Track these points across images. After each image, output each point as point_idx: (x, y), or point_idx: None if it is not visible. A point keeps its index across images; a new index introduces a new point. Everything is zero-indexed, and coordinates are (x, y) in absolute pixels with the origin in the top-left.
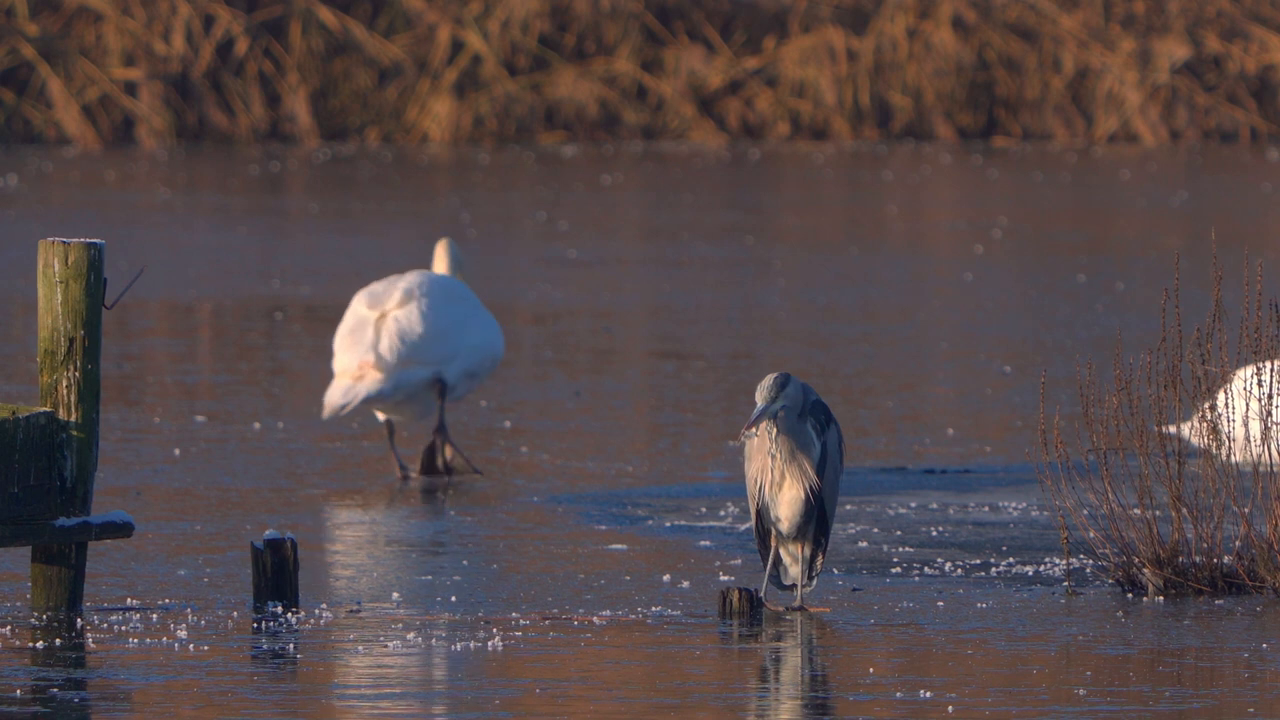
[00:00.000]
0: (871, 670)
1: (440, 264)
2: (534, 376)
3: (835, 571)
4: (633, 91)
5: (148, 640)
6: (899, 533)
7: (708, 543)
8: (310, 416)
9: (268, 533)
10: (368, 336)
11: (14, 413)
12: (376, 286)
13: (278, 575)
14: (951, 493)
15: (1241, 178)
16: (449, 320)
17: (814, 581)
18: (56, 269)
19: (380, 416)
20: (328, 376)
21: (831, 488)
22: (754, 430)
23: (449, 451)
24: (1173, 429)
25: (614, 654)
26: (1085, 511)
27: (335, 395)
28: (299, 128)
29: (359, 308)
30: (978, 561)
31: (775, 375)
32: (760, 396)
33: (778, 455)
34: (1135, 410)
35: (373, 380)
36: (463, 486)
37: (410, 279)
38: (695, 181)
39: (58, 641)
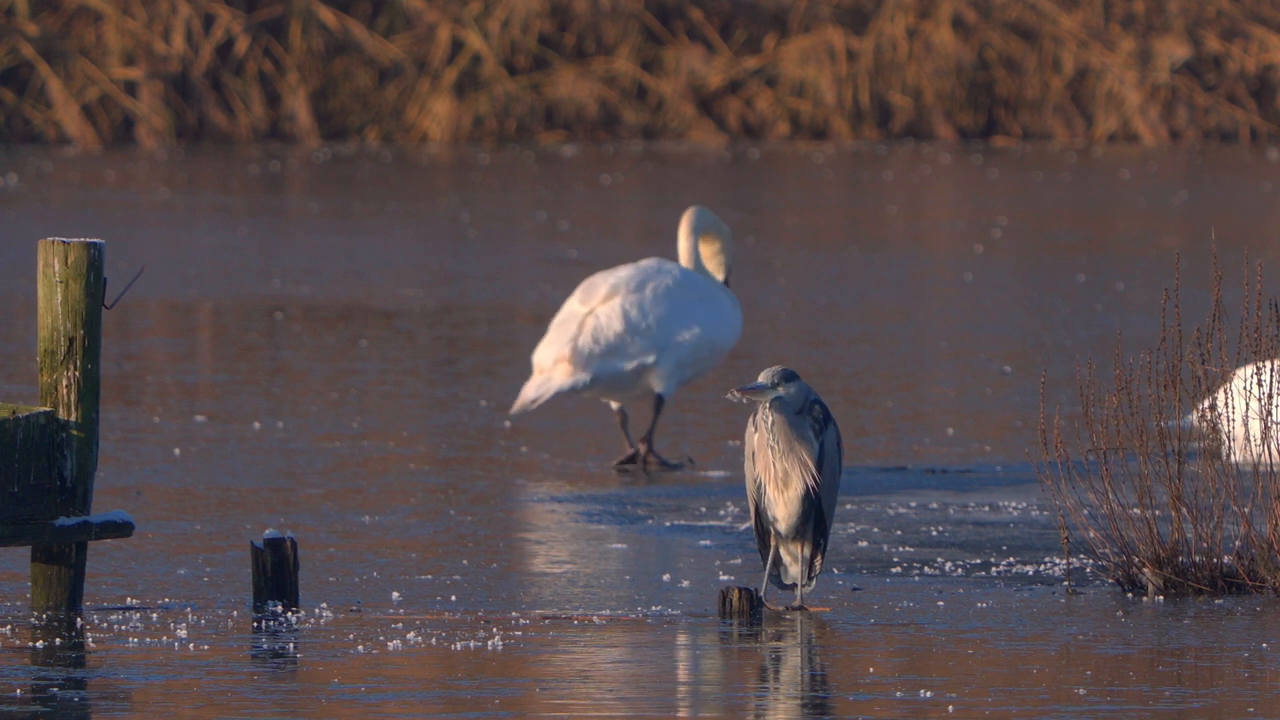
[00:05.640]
0: (871, 670)
1: (684, 242)
2: None
3: (835, 571)
4: (633, 91)
5: (148, 640)
6: (899, 532)
7: (708, 542)
8: (310, 416)
9: (268, 532)
10: (569, 331)
11: (14, 412)
12: (596, 278)
13: (278, 575)
14: (951, 492)
15: (1241, 178)
16: (654, 315)
17: (814, 581)
18: (56, 269)
19: (613, 405)
20: (327, 376)
21: (830, 489)
22: (745, 398)
23: (651, 462)
24: (1186, 418)
25: (614, 653)
26: (1085, 511)
27: (529, 389)
28: (299, 128)
29: (572, 302)
30: (978, 561)
31: (784, 367)
32: (763, 376)
33: (776, 447)
34: (1135, 410)
35: (565, 374)
36: (461, 486)
37: (623, 273)
38: (695, 181)
39: (58, 641)
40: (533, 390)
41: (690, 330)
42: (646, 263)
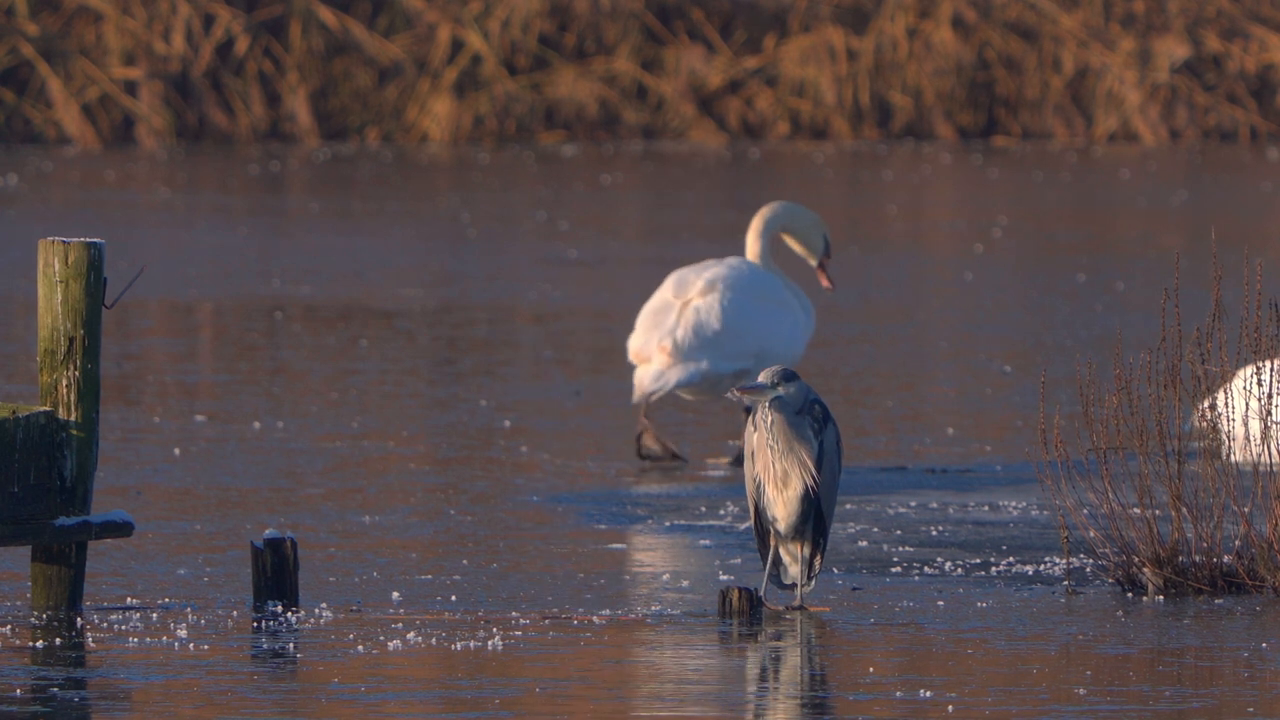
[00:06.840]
0: (871, 670)
1: (753, 241)
2: (534, 376)
3: (835, 571)
4: (633, 91)
5: (148, 639)
6: (899, 532)
7: (708, 542)
8: (310, 416)
9: (268, 532)
10: (667, 321)
11: (14, 412)
12: (687, 273)
13: (278, 575)
14: (951, 492)
15: (1241, 178)
16: (749, 317)
17: (814, 581)
18: (56, 268)
19: (636, 396)
20: (327, 376)
21: (829, 488)
22: (745, 397)
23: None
24: (1186, 421)
25: (614, 654)
26: (1085, 511)
27: (646, 380)
28: (299, 127)
29: (665, 293)
30: (978, 561)
31: (784, 367)
32: (763, 376)
33: (776, 446)
34: (1135, 410)
35: (675, 367)
36: (461, 486)
37: (718, 270)
38: (695, 181)
39: (58, 641)
40: (651, 382)
41: (779, 337)
42: (734, 261)
